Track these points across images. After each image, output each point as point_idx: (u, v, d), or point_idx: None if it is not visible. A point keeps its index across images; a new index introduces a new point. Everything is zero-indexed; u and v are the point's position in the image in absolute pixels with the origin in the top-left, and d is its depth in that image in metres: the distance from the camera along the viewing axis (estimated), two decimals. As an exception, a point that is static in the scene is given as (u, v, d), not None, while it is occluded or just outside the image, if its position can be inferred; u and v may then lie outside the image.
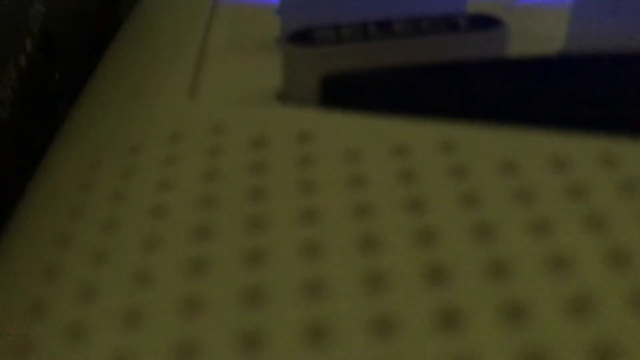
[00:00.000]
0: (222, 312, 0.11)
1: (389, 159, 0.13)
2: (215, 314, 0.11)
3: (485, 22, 0.16)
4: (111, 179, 0.14)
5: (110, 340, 0.11)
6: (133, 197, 0.13)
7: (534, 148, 0.13)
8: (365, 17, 0.16)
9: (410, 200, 0.12)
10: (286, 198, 0.13)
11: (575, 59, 0.16)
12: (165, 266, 0.12)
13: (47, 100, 0.20)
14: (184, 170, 0.14)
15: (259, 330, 0.11)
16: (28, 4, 0.18)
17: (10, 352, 0.11)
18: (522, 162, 0.13)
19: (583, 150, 0.13)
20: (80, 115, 0.17)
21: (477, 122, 0.14)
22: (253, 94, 0.17)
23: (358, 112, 0.14)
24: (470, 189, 0.12)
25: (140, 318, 0.11)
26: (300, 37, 0.16)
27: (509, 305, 0.11)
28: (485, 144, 0.13)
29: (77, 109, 0.18)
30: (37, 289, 0.12)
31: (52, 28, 0.20)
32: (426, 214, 0.12)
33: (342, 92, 0.15)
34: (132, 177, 0.14)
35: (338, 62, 0.16)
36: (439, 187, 0.13)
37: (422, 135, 0.14)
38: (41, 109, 0.19)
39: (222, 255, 0.12)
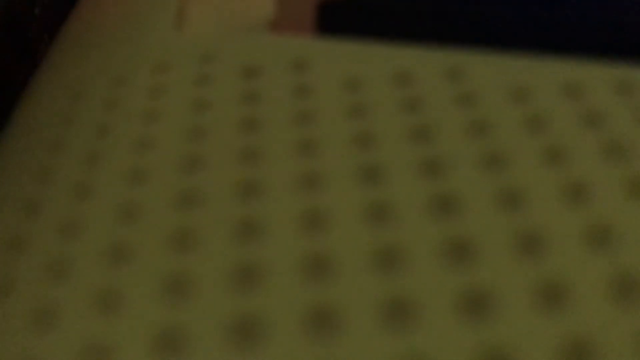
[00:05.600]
0: (215, 246, 0.10)
1: (391, 87, 0.12)
2: (207, 247, 0.10)
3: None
4: (94, 111, 0.13)
5: (95, 276, 0.10)
6: (118, 129, 0.13)
7: (545, 75, 0.12)
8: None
9: (416, 130, 0.12)
10: (281, 128, 0.12)
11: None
12: (153, 199, 0.11)
13: (27, 35, 0.19)
14: (172, 101, 0.13)
15: (255, 264, 0.10)
16: None
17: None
18: (534, 90, 0.12)
19: (597, 77, 0.12)
20: (63, 47, 0.16)
21: (484, 49, 0.13)
22: (243, 25, 0.16)
23: (357, 40, 0.14)
24: (479, 118, 0.12)
25: (127, 253, 0.10)
26: (295, -38, 0.15)
27: (523, 236, 0.10)
28: (494, 72, 0.12)
29: (59, 41, 0.17)
30: (18, 225, 0.11)
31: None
32: (433, 144, 0.11)
33: (339, 19, 0.15)
34: (116, 108, 0.13)
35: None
36: (447, 116, 0.12)
37: (426, 63, 0.13)
38: (21, 43, 0.18)
39: (214, 187, 0.11)
